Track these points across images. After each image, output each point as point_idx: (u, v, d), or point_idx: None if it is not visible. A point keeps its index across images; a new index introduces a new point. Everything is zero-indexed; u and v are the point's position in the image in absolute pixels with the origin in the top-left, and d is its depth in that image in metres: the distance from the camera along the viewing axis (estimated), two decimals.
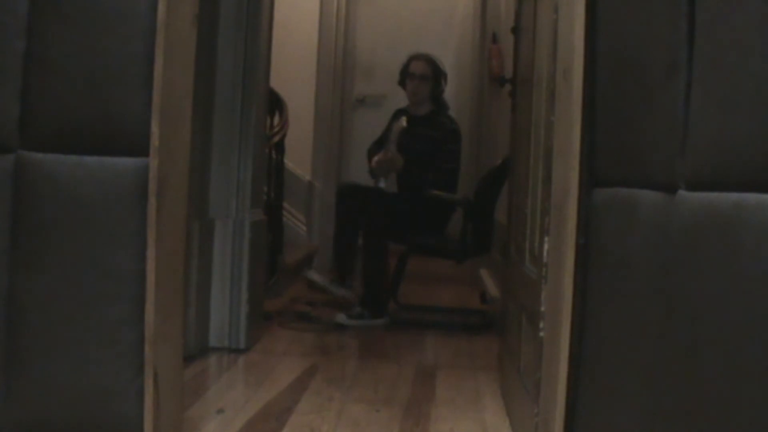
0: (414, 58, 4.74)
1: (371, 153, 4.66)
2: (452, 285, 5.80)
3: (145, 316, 1.88)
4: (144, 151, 1.87)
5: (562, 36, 1.98)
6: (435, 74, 4.67)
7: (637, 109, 1.54)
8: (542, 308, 2.05)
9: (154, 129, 1.86)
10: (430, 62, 4.69)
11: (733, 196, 1.18)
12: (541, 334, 2.04)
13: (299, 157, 6.01)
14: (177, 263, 2.05)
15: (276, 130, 4.84)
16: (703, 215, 1.24)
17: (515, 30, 3.17)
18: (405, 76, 4.72)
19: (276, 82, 4.35)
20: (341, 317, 4.26)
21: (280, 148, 4.96)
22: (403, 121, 4.49)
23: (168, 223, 1.94)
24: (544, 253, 2.06)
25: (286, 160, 5.20)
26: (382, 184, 4.48)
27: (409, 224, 4.47)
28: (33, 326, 1.90)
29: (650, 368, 1.40)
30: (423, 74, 4.65)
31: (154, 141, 1.87)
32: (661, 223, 1.39)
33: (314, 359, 3.45)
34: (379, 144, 4.68)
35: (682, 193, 1.31)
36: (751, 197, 1.14)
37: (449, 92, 4.93)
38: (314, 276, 4.59)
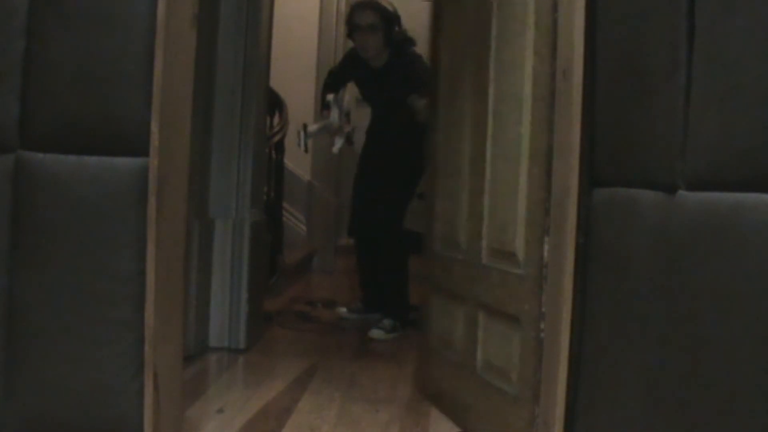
0: (357, 6, 4.15)
1: (327, 88, 4.31)
2: None
3: (145, 316, 1.88)
4: (144, 151, 1.87)
5: (562, 36, 1.98)
6: (386, 21, 4.07)
7: (636, 109, 1.54)
8: (542, 308, 2.05)
9: (154, 129, 1.86)
10: (378, 9, 4.07)
11: (733, 196, 1.18)
12: (542, 334, 2.04)
13: (299, 157, 6.02)
14: (177, 263, 2.05)
15: (276, 130, 4.85)
16: (703, 215, 1.24)
17: None
18: (351, 27, 4.15)
19: (276, 82, 4.34)
20: (377, 333, 4.02)
21: (280, 148, 4.97)
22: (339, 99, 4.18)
23: (168, 223, 1.94)
24: (545, 253, 2.06)
25: (286, 160, 5.20)
26: (336, 150, 4.22)
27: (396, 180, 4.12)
28: (33, 326, 1.90)
29: (650, 368, 1.40)
30: (371, 24, 4.05)
31: (154, 141, 1.86)
32: (661, 223, 1.39)
33: (314, 359, 3.45)
34: (334, 83, 4.32)
35: (682, 193, 1.31)
36: (751, 197, 1.14)
37: None
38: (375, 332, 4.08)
